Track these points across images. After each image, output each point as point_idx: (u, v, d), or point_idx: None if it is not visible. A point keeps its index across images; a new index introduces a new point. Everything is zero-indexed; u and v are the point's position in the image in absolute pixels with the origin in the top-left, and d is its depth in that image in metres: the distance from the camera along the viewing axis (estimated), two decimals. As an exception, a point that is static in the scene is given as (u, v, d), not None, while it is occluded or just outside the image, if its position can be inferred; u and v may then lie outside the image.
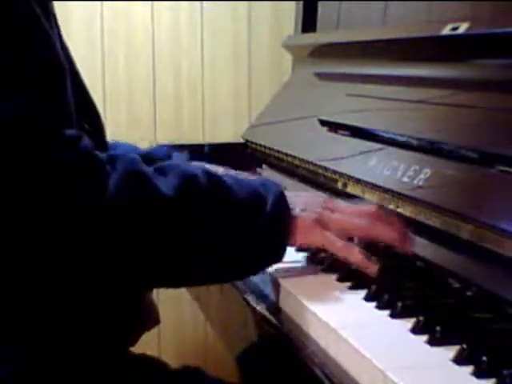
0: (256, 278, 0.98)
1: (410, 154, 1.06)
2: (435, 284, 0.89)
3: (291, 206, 0.90)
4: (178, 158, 1.27)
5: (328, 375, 0.73)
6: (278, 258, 0.90)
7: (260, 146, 1.61)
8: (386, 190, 1.05)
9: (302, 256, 1.00)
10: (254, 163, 1.59)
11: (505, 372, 0.63)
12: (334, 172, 1.22)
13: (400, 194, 1.01)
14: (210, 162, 1.28)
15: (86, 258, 0.82)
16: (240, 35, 2.17)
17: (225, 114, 2.18)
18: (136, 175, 0.83)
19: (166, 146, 1.31)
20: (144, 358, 1.07)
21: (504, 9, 1.03)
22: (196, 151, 1.67)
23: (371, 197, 1.10)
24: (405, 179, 1.01)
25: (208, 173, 0.88)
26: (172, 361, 1.15)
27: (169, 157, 1.27)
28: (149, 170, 0.86)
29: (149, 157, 1.26)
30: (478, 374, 0.65)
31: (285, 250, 0.90)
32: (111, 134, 1.10)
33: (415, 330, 0.75)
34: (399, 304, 0.79)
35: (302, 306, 0.85)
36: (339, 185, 1.21)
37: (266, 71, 2.18)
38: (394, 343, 0.73)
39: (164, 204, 0.83)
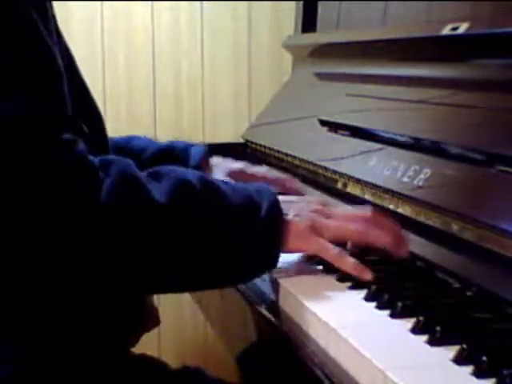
0: (256, 278, 0.98)
1: (410, 154, 1.06)
2: (435, 284, 0.88)
3: (285, 212, 0.90)
4: (197, 152, 1.28)
5: (328, 375, 0.73)
6: (272, 264, 0.90)
7: (260, 145, 1.61)
8: (386, 190, 1.05)
9: (301, 256, 1.00)
10: (254, 163, 1.59)
11: (505, 372, 0.63)
12: (334, 172, 1.22)
13: (400, 193, 1.01)
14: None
15: (79, 261, 0.81)
16: (240, 35, 2.17)
17: (225, 114, 2.18)
18: (129, 180, 0.83)
19: (184, 141, 1.32)
20: (144, 359, 1.07)
21: (504, 9, 1.03)
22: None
23: (371, 197, 1.10)
24: (405, 179, 1.01)
25: (202, 178, 0.88)
26: (172, 361, 1.15)
27: (187, 150, 1.28)
28: (142, 174, 0.85)
29: (167, 150, 1.27)
30: (478, 373, 0.65)
31: (278, 257, 0.90)
32: (111, 134, 1.10)
33: (415, 330, 0.75)
34: (399, 304, 0.79)
35: (301, 305, 0.85)
36: (339, 185, 1.21)
37: (265, 71, 2.18)
38: (394, 343, 0.73)
39: (157, 209, 0.83)
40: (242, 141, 1.71)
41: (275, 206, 0.89)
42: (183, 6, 2.13)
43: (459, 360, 0.67)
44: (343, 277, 0.91)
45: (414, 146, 1.07)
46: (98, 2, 2.08)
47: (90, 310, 0.91)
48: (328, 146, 1.32)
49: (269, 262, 0.90)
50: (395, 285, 0.88)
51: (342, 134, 1.30)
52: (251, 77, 2.19)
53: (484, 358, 0.65)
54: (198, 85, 2.16)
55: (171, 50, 2.14)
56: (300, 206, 0.94)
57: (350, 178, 1.17)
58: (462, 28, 1.05)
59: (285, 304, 0.90)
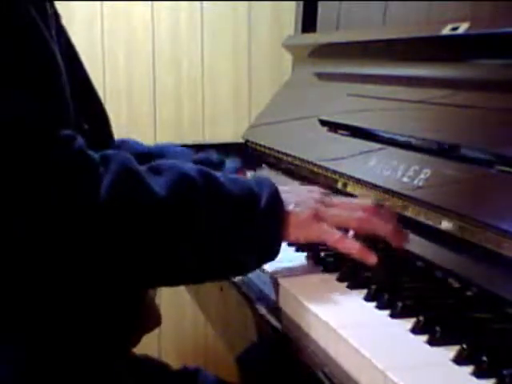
0: (256, 278, 0.98)
1: (410, 154, 1.06)
2: (435, 284, 0.88)
3: (286, 202, 0.90)
4: (231, 165, 1.27)
5: (328, 375, 0.73)
6: (274, 253, 0.90)
7: (260, 145, 1.61)
8: (386, 190, 1.05)
9: (301, 256, 1.00)
10: (254, 163, 1.59)
11: (505, 372, 0.63)
12: (334, 172, 1.22)
13: (400, 193, 1.01)
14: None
15: (80, 258, 0.82)
16: (240, 35, 2.17)
17: (225, 114, 2.18)
18: (129, 175, 0.83)
19: (218, 155, 1.31)
20: (144, 359, 1.07)
21: (504, 9, 1.03)
22: (196, 151, 1.67)
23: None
24: (405, 179, 1.01)
25: (202, 171, 0.88)
26: (172, 361, 1.15)
27: (222, 163, 1.27)
28: (142, 169, 0.85)
29: (204, 162, 1.26)
30: (478, 373, 0.65)
31: (280, 246, 0.90)
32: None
33: (415, 330, 0.75)
34: (399, 304, 0.79)
35: (301, 305, 0.85)
36: (339, 185, 1.21)
37: (266, 71, 2.18)
38: (394, 343, 0.73)
39: (157, 203, 0.83)
40: (241, 141, 1.71)
41: (275, 197, 0.89)
42: (183, 6, 2.13)
43: (459, 360, 0.67)
44: (343, 277, 0.91)
45: (414, 146, 1.07)
46: (98, 2, 2.08)
47: (91, 310, 0.91)
48: (328, 146, 1.32)
49: (270, 253, 0.90)
50: (395, 285, 0.88)
51: (342, 134, 1.30)
52: (251, 77, 2.19)
53: (484, 358, 0.65)
54: (198, 85, 2.16)
55: (171, 50, 2.14)
56: (301, 196, 0.94)
57: (349, 177, 1.17)
58: (462, 28, 1.05)
59: (285, 304, 0.90)
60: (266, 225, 0.88)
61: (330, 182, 1.24)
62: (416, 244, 0.94)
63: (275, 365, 0.91)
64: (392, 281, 0.90)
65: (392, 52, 1.27)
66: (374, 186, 1.08)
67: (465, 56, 1.07)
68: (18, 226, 0.79)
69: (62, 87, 0.86)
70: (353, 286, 0.89)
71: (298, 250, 1.03)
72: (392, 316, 0.79)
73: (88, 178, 0.81)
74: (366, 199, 0.97)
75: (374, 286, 0.85)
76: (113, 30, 2.10)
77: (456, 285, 0.86)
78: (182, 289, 1.53)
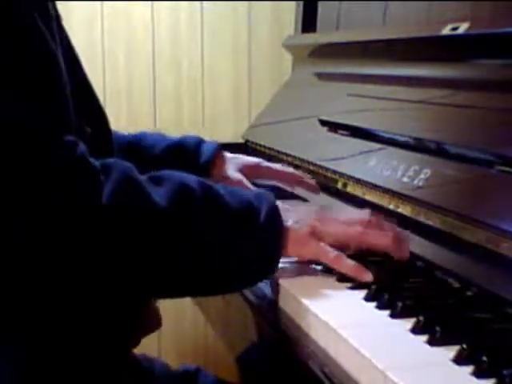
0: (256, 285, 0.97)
1: (410, 154, 1.06)
2: (435, 284, 0.88)
3: (284, 218, 0.90)
4: (209, 148, 1.27)
5: (328, 375, 0.73)
6: (271, 269, 0.90)
7: (260, 145, 1.61)
8: (386, 190, 1.05)
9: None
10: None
11: (505, 372, 0.63)
12: (334, 172, 1.22)
13: (400, 193, 1.01)
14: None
15: (78, 262, 0.81)
16: (240, 35, 2.17)
17: (225, 114, 2.18)
18: (130, 183, 0.83)
19: (195, 136, 1.31)
20: (144, 359, 1.07)
21: (504, 9, 1.03)
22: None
23: (371, 197, 1.10)
24: (405, 179, 1.01)
25: (202, 183, 0.88)
26: (172, 361, 1.15)
27: (199, 146, 1.27)
28: (143, 178, 0.85)
29: (178, 146, 1.27)
30: (478, 373, 0.65)
31: (278, 262, 0.90)
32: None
33: (415, 330, 0.75)
34: (399, 304, 0.79)
35: (301, 306, 0.85)
36: (339, 185, 1.21)
37: (266, 71, 2.18)
38: (394, 343, 0.73)
39: (157, 213, 0.83)
40: (241, 141, 1.71)
41: (274, 212, 0.89)
42: (183, 6, 2.13)
43: (459, 360, 0.67)
44: (343, 277, 0.91)
45: (414, 146, 1.07)
46: (98, 2, 2.08)
47: (91, 312, 0.91)
48: (328, 146, 1.32)
49: (268, 268, 0.90)
50: (395, 285, 0.88)
51: (342, 134, 1.30)
52: (251, 77, 2.19)
53: (484, 358, 0.65)
54: (198, 85, 2.16)
55: (171, 50, 2.14)
56: (300, 214, 0.94)
57: (350, 177, 1.17)
58: (462, 28, 1.05)
59: (285, 304, 0.90)
60: (265, 239, 0.88)
61: (329, 182, 1.25)
62: (416, 244, 0.94)
63: (275, 365, 0.91)
64: (392, 281, 0.90)
65: (392, 52, 1.27)
66: (374, 186, 1.08)
67: (465, 56, 1.07)
68: (19, 227, 0.79)
69: (63, 89, 0.86)
70: (353, 286, 0.89)
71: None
72: (392, 316, 0.79)
73: (89, 183, 0.81)
74: (365, 211, 0.96)
75: (373, 286, 0.85)
76: (113, 29, 2.10)
77: (456, 285, 0.86)
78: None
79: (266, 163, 1.31)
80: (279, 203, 0.92)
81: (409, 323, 0.76)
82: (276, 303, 0.91)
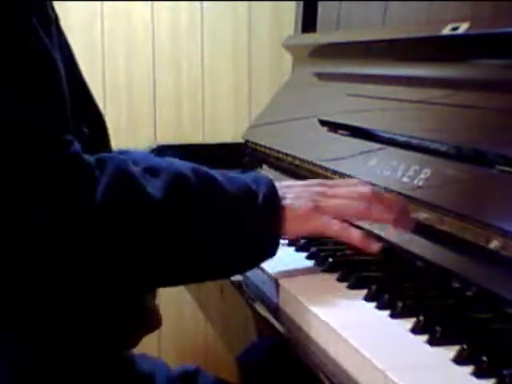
0: (256, 278, 0.98)
1: (410, 154, 1.06)
2: (435, 284, 0.88)
3: (283, 197, 0.90)
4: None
5: (328, 375, 0.73)
6: (273, 250, 0.90)
7: (260, 146, 1.61)
8: (386, 190, 1.05)
9: (301, 256, 1.01)
10: (254, 163, 1.59)
11: (505, 372, 0.63)
12: (334, 172, 1.22)
13: (400, 194, 1.01)
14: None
15: (77, 259, 0.81)
16: (240, 35, 2.17)
17: (225, 114, 2.18)
18: (125, 177, 0.83)
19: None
20: (144, 358, 1.07)
21: (504, 9, 1.03)
22: (196, 151, 1.67)
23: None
24: (405, 179, 1.01)
25: (198, 170, 0.88)
26: (172, 361, 1.15)
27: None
28: (137, 171, 0.85)
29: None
30: (478, 373, 0.65)
31: (278, 242, 0.89)
32: (111, 134, 1.10)
33: (415, 330, 0.75)
34: (399, 304, 0.79)
35: (302, 306, 0.85)
36: (336, 178, 1.21)
37: (266, 71, 2.18)
38: (394, 343, 0.73)
39: (153, 204, 0.83)
40: (241, 141, 1.71)
41: (272, 193, 0.89)
42: (183, 6, 2.13)
43: (459, 360, 0.67)
44: (343, 277, 0.91)
45: (414, 146, 1.07)
46: (98, 2, 2.08)
47: (91, 311, 0.91)
48: (328, 146, 1.32)
49: (269, 249, 0.90)
50: (395, 285, 0.88)
51: (342, 134, 1.30)
52: (251, 77, 2.19)
53: (484, 358, 0.65)
54: (198, 85, 2.16)
55: (171, 50, 2.14)
56: (299, 191, 0.93)
57: (350, 178, 1.17)
58: (462, 28, 1.05)
59: (285, 304, 0.90)
60: (264, 221, 0.88)
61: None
62: (416, 244, 0.94)
63: (275, 365, 0.91)
64: (392, 281, 0.90)
65: (392, 52, 1.27)
66: (374, 186, 1.08)
67: (465, 56, 1.07)
68: (18, 226, 0.79)
69: (62, 90, 0.86)
70: (353, 286, 0.89)
71: (297, 250, 1.03)
72: (392, 316, 0.79)
73: (84, 180, 0.81)
74: (366, 185, 0.96)
75: (374, 286, 0.85)
76: (113, 29, 2.10)
77: (456, 285, 0.86)
78: (182, 289, 1.53)
79: None
80: (277, 183, 0.91)
81: (409, 323, 0.76)
82: (276, 303, 0.91)
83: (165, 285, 0.94)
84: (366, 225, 0.98)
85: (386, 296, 0.82)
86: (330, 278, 0.92)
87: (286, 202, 0.90)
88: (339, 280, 0.91)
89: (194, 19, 2.14)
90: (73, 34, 1.01)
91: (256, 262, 0.91)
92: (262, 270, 0.96)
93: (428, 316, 0.75)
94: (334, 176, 1.23)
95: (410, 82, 1.20)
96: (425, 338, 0.73)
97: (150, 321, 1.03)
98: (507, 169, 0.86)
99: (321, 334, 0.79)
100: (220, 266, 0.89)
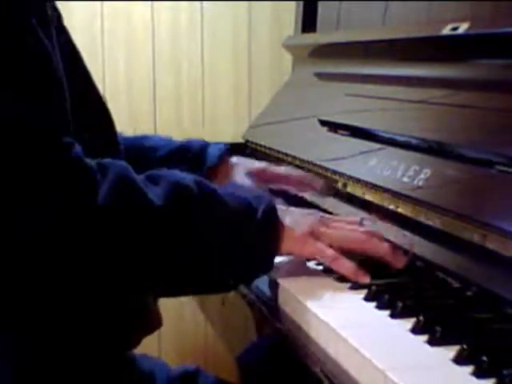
0: (253, 281, 0.97)
1: (410, 154, 1.06)
2: (435, 284, 0.88)
3: (282, 217, 0.91)
4: (215, 152, 1.26)
5: (328, 375, 0.73)
6: (267, 267, 0.90)
7: (260, 146, 1.61)
8: (386, 190, 1.05)
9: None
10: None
11: (505, 372, 0.63)
12: (334, 172, 1.22)
13: (400, 194, 1.01)
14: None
15: (76, 262, 0.81)
16: (240, 35, 2.17)
17: (225, 114, 2.18)
18: (126, 183, 0.83)
19: (201, 139, 1.30)
20: (144, 358, 1.07)
21: (504, 9, 1.03)
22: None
23: (371, 197, 1.10)
24: (405, 179, 1.01)
25: (199, 182, 0.88)
26: (172, 361, 1.15)
27: (204, 149, 1.26)
28: (139, 178, 0.85)
29: (182, 150, 1.25)
30: (478, 373, 0.65)
31: (273, 259, 0.90)
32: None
33: (415, 330, 0.75)
34: (399, 304, 0.79)
35: (301, 306, 0.85)
36: (339, 185, 1.21)
37: (266, 71, 2.18)
38: (394, 343, 0.73)
39: (154, 212, 0.83)
40: (242, 141, 1.71)
41: (272, 211, 0.90)
42: (183, 6, 2.13)
43: (459, 360, 0.67)
44: (343, 277, 0.91)
45: (414, 146, 1.07)
46: (98, 2, 2.08)
47: (92, 311, 0.91)
48: (328, 145, 1.32)
49: (264, 265, 0.90)
50: (395, 285, 0.88)
51: (342, 134, 1.30)
52: (251, 77, 2.19)
53: (484, 358, 0.65)
54: (198, 85, 2.16)
55: (171, 50, 2.14)
56: (298, 214, 0.94)
57: (349, 177, 1.17)
58: (462, 28, 1.05)
59: (285, 304, 0.90)
60: (262, 236, 0.89)
61: (329, 182, 1.24)
62: (416, 244, 0.94)
63: (275, 365, 0.91)
64: (392, 281, 0.90)
65: (392, 52, 1.27)
66: (374, 186, 1.08)
67: (465, 56, 1.07)
68: (18, 227, 0.79)
69: (61, 91, 0.86)
70: (353, 286, 0.89)
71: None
72: (392, 316, 0.79)
73: (84, 182, 0.81)
74: (366, 220, 0.97)
75: (374, 286, 0.85)
76: (113, 29, 2.10)
77: (456, 285, 0.86)
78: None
79: (272, 168, 1.30)
80: (278, 205, 0.92)
81: (409, 323, 0.76)
82: (276, 303, 0.91)
83: (160, 293, 0.94)
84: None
85: (386, 296, 0.82)
86: (330, 278, 0.92)
87: (285, 221, 0.91)
88: (339, 280, 0.91)
89: (194, 19, 2.14)
90: (73, 34, 1.01)
91: (250, 276, 0.92)
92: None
93: (428, 316, 0.75)
94: (333, 176, 1.23)
95: (410, 82, 1.20)
96: (425, 338, 0.73)
97: (151, 322, 1.03)
98: (507, 169, 0.86)
99: (321, 334, 0.79)
100: (215, 277, 0.89)
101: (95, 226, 0.81)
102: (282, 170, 1.29)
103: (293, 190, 1.29)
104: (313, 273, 0.95)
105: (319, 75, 1.59)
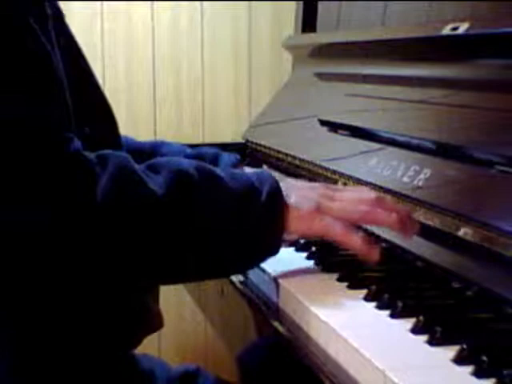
0: (256, 278, 0.98)
1: (410, 154, 1.06)
2: (435, 284, 0.88)
3: (287, 196, 0.90)
4: (226, 161, 1.26)
5: (328, 375, 0.73)
6: (275, 248, 0.89)
7: (260, 145, 1.61)
8: (386, 190, 1.05)
9: (301, 256, 1.00)
10: (254, 163, 1.59)
11: (505, 372, 0.63)
12: (334, 172, 1.22)
13: (400, 194, 1.01)
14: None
15: (79, 256, 0.81)
16: (240, 35, 2.17)
17: (225, 114, 2.18)
18: (126, 174, 0.83)
19: (214, 147, 1.30)
20: (144, 358, 1.07)
21: (504, 9, 1.03)
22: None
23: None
24: (405, 179, 1.01)
25: (200, 167, 0.88)
26: (172, 361, 1.15)
27: (216, 158, 1.26)
28: (139, 167, 0.85)
29: (197, 156, 1.26)
30: (478, 373, 0.65)
31: (280, 240, 0.89)
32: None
33: (415, 330, 0.75)
34: (399, 304, 0.79)
35: (302, 305, 0.85)
36: (339, 185, 1.21)
37: (266, 71, 2.18)
38: (394, 343, 0.73)
39: (156, 201, 0.83)
40: (242, 141, 1.71)
41: (276, 191, 0.89)
42: (183, 6, 2.13)
43: (459, 360, 0.67)
44: (343, 277, 0.91)
45: (414, 146, 1.07)
46: (98, 2, 2.08)
47: (93, 311, 0.91)
48: (328, 145, 1.32)
49: (271, 247, 0.89)
50: (395, 285, 0.88)
51: (342, 134, 1.30)
52: (251, 77, 2.19)
53: (484, 358, 0.65)
54: (198, 85, 2.16)
55: (171, 50, 2.14)
56: (303, 191, 0.92)
57: (349, 177, 1.17)
58: (462, 28, 1.05)
59: (285, 304, 0.90)
60: (267, 217, 0.88)
61: (329, 182, 1.25)
62: (416, 244, 0.94)
63: (275, 365, 0.91)
64: (392, 281, 0.90)
65: (392, 52, 1.27)
66: (374, 186, 1.08)
67: (465, 56, 1.07)
68: (17, 224, 0.79)
69: (60, 88, 0.86)
70: (353, 286, 0.89)
71: (297, 250, 1.03)
72: (392, 316, 0.79)
73: (84, 177, 0.81)
74: (370, 191, 0.96)
75: (373, 286, 0.85)
76: (113, 30, 2.10)
77: (456, 285, 0.86)
78: (181, 288, 1.53)
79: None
80: (281, 182, 0.91)
81: (409, 323, 0.76)
82: (276, 303, 0.91)
83: (167, 281, 0.94)
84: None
85: (386, 296, 0.82)
86: (330, 278, 0.92)
87: (290, 200, 0.90)
88: (339, 280, 0.91)
89: (194, 19, 2.14)
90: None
91: (258, 259, 0.91)
92: (262, 269, 0.95)
93: (428, 316, 0.75)
94: (333, 176, 1.23)
95: (410, 82, 1.20)
96: (425, 338, 0.73)
97: (152, 322, 1.03)
98: (507, 169, 0.86)
99: (321, 334, 0.79)
100: (222, 262, 0.89)
101: (95, 219, 0.80)
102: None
103: None
104: (313, 273, 0.95)
105: (319, 75, 1.59)
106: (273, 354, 0.93)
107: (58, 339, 0.90)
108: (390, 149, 1.11)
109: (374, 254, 0.88)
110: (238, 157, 1.30)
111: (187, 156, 1.26)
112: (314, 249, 1.02)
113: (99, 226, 0.81)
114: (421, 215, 0.96)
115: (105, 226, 0.81)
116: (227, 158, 1.28)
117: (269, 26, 2.17)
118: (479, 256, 0.84)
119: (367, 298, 0.84)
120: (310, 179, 1.33)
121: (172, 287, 1.17)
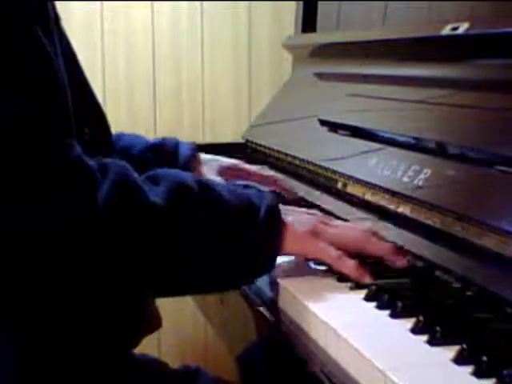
0: (255, 281, 0.97)
1: (410, 154, 1.06)
2: (435, 284, 0.88)
3: (284, 215, 0.91)
4: (185, 150, 1.28)
5: (328, 375, 0.73)
6: (270, 266, 0.90)
7: (260, 145, 1.61)
8: (386, 190, 1.05)
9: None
10: (254, 163, 1.59)
11: (505, 372, 0.63)
12: (334, 172, 1.22)
13: (400, 193, 1.01)
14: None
15: (77, 263, 0.81)
16: (240, 35, 2.17)
17: (225, 114, 2.18)
18: (126, 183, 0.83)
19: (174, 138, 1.32)
20: (144, 358, 1.07)
21: (504, 9, 1.03)
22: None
23: (371, 197, 1.10)
24: (405, 179, 1.01)
25: (200, 182, 0.88)
26: (172, 361, 1.15)
27: (176, 147, 1.28)
28: (139, 178, 0.85)
29: (157, 147, 1.27)
30: (478, 373, 0.65)
31: (275, 258, 0.90)
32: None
33: (415, 330, 0.75)
34: (399, 304, 0.79)
35: (301, 305, 0.85)
36: (339, 185, 1.21)
37: (266, 71, 2.18)
38: (394, 343, 0.73)
39: (154, 212, 0.83)
40: (242, 141, 1.71)
41: (274, 209, 0.90)
42: (183, 6, 2.13)
43: (459, 360, 0.67)
44: (343, 277, 0.91)
45: (414, 146, 1.07)
46: (98, 2, 2.08)
47: (93, 312, 0.91)
48: (328, 145, 1.32)
49: (266, 265, 0.90)
50: (395, 285, 0.88)
51: (342, 134, 1.30)
52: (251, 77, 2.19)
53: (484, 358, 0.65)
54: (198, 85, 2.16)
55: (171, 50, 2.14)
56: (301, 214, 0.94)
57: (349, 177, 1.17)
58: (462, 28, 1.05)
59: (285, 304, 0.90)
60: (265, 234, 0.88)
61: (329, 182, 1.25)
62: (416, 244, 0.94)
63: (275, 365, 0.91)
64: (392, 281, 0.90)
65: (392, 52, 1.27)
66: (374, 186, 1.08)
67: (465, 56, 1.07)
68: (18, 228, 0.79)
69: (62, 92, 0.86)
70: (353, 286, 0.89)
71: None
72: (392, 316, 0.79)
73: (84, 184, 0.81)
74: (365, 223, 0.97)
75: (373, 286, 0.85)
76: (113, 30, 2.10)
77: (456, 285, 0.86)
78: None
79: (243, 165, 1.32)
80: (281, 205, 0.92)
81: (409, 323, 0.76)
82: (276, 303, 0.91)
83: (163, 292, 0.94)
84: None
85: (386, 296, 0.82)
86: (330, 278, 0.92)
87: (288, 219, 0.91)
88: (339, 280, 0.91)
89: (194, 19, 2.14)
90: (73, 34, 1.01)
91: (253, 274, 0.91)
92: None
93: (428, 316, 0.75)
94: (333, 176, 1.23)
95: (410, 81, 1.20)
96: (425, 338, 0.73)
97: (151, 322, 1.03)
98: (507, 169, 0.86)
99: (321, 334, 0.79)
100: (218, 277, 0.89)
101: (95, 226, 0.80)
102: (253, 167, 1.32)
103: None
104: (313, 273, 0.95)
105: (319, 75, 1.59)
106: (273, 354, 0.93)
107: (56, 339, 0.90)
108: (390, 149, 1.11)
109: (366, 279, 0.89)
110: (195, 147, 1.31)
111: (146, 145, 1.27)
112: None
113: (98, 231, 0.81)
114: (421, 215, 0.96)
115: (104, 231, 0.81)
116: (185, 147, 1.29)
117: (269, 26, 2.17)
118: (479, 256, 0.84)
119: (367, 298, 0.84)
120: (310, 179, 1.33)
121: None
